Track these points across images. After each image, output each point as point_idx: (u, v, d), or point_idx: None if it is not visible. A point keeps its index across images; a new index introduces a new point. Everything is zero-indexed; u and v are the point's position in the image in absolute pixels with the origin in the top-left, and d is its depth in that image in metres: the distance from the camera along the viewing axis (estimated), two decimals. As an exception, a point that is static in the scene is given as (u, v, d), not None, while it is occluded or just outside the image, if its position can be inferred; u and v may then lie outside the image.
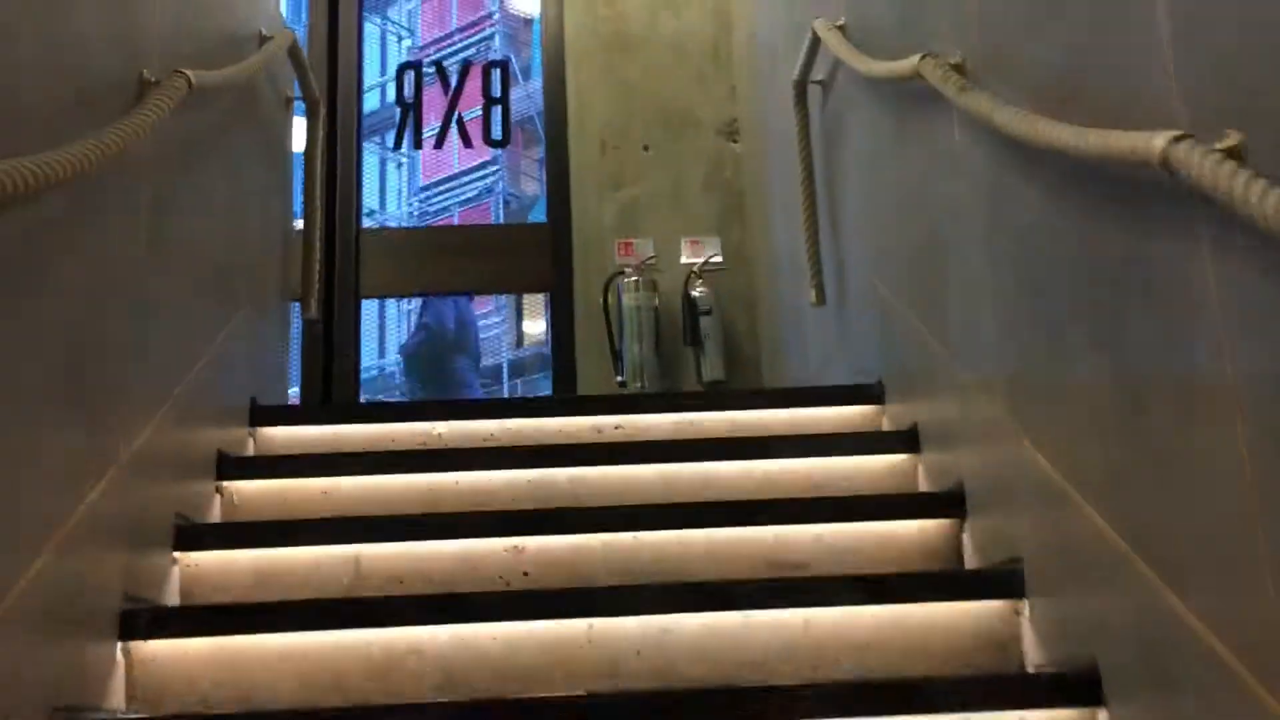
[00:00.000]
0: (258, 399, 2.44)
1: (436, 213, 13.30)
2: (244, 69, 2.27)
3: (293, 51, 2.62)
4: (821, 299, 2.85)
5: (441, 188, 12.86)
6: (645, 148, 4.33)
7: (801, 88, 2.98)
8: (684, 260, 4.17)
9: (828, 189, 2.91)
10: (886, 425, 2.43)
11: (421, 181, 13.17)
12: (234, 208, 2.37)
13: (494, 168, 11.48)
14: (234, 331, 2.30)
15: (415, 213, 12.70)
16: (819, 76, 2.94)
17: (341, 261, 4.43)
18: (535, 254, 4.46)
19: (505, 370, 18.92)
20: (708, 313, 4.01)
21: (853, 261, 2.69)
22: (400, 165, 13.30)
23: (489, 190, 12.69)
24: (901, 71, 2.00)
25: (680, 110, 4.37)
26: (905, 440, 2.23)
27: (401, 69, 4.78)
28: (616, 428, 2.47)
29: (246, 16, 2.53)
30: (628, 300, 4.03)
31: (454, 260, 4.51)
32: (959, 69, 1.87)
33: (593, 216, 4.27)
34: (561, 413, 2.48)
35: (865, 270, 2.56)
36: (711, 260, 4.15)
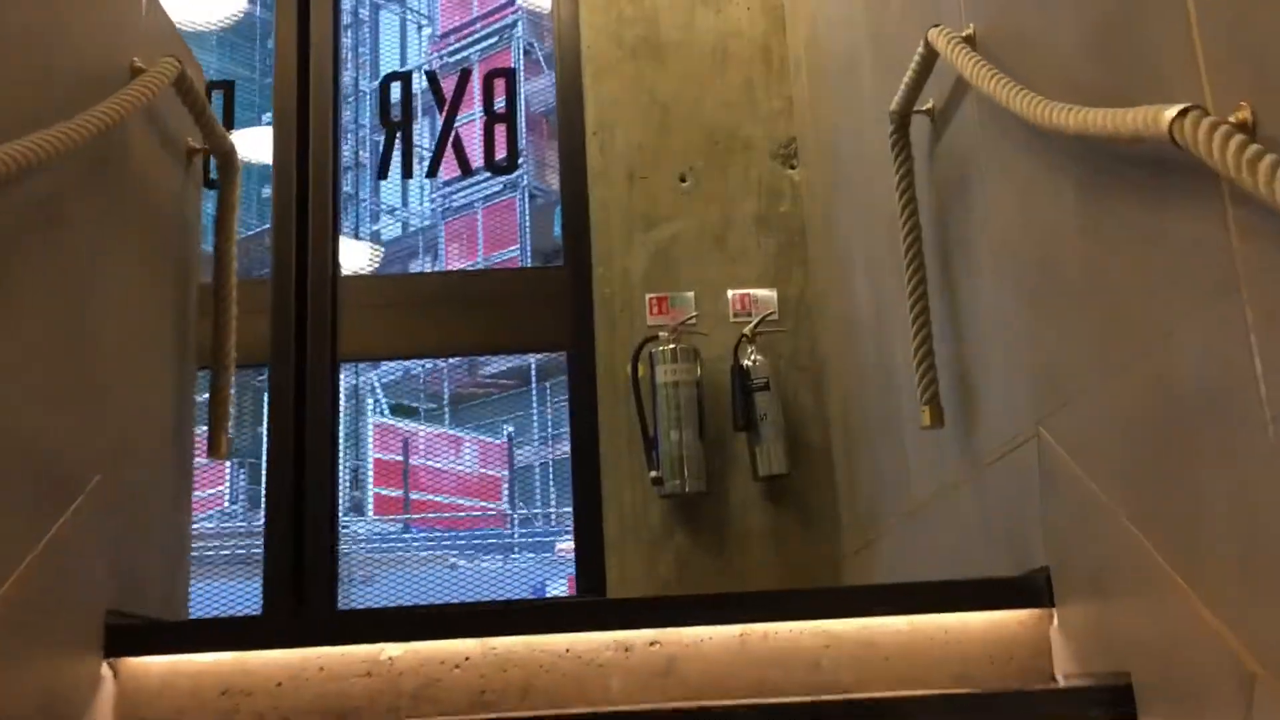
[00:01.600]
0: (124, 610, 1.65)
1: (460, 209, 12.62)
2: (83, 124, 1.47)
3: (181, 85, 1.82)
4: (938, 420, 2.02)
5: (464, 182, 12.14)
6: (682, 178, 3.50)
7: (903, 119, 2.14)
8: (732, 320, 3.35)
9: (943, 264, 2.07)
10: (1063, 648, 1.61)
11: (443, 176, 12.43)
12: (79, 326, 1.58)
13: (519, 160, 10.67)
14: (79, 519, 1.51)
15: (439, 209, 12.03)
16: (925, 105, 2.11)
17: (315, 318, 3.65)
18: (550, 306, 3.65)
19: (533, 371, 18.22)
20: (764, 387, 3.19)
21: (993, 382, 1.86)
22: (422, 161, 12.64)
23: (513, 185, 11.93)
24: (1139, 129, 1.17)
25: (725, 129, 3.54)
26: (1110, 699, 1.41)
27: (386, 81, 3.98)
28: (652, 645, 1.66)
29: (107, 43, 1.73)
30: (663, 374, 3.21)
31: (452, 313, 3.71)
32: (1244, 129, 1.05)
33: (618, 264, 3.44)
34: (572, 624, 1.67)
35: (1019, 404, 1.73)
36: (767, 320, 3.32)
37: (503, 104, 3.90)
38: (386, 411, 16.37)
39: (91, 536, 1.57)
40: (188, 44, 2.09)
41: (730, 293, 3.38)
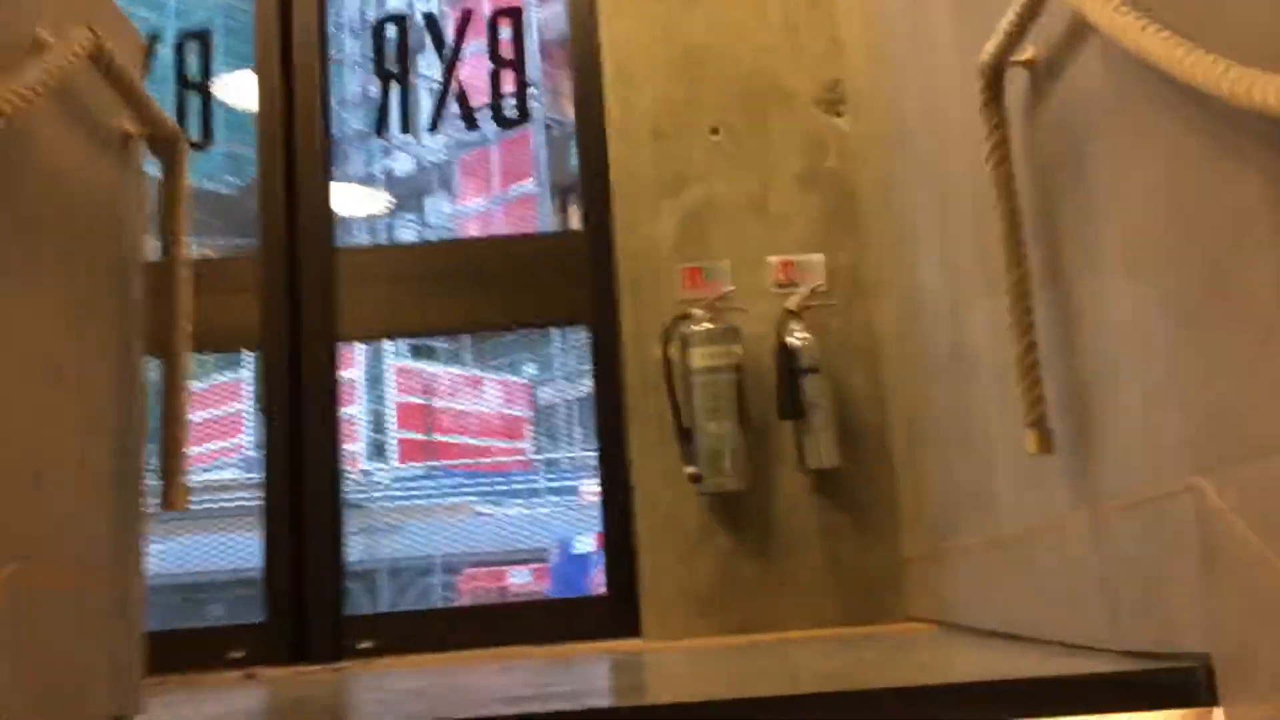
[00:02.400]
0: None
1: (475, 143, 12.25)
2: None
3: (101, 61, 1.45)
4: (1046, 447, 1.66)
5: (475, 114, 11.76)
6: (714, 130, 3.10)
7: (997, 73, 1.74)
8: (774, 291, 2.97)
9: (1049, 255, 1.69)
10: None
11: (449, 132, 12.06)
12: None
13: (531, 89, 10.24)
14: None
15: (453, 143, 11.71)
16: (1024, 54, 1.71)
17: (308, 297, 3.30)
18: (567, 275, 3.28)
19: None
20: (813, 370, 2.82)
21: (1123, 409, 1.49)
22: (432, 90, 12.21)
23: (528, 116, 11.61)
24: None
25: (763, 75, 3.12)
26: None
27: (379, 25, 3.57)
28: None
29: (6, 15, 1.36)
30: (698, 357, 2.84)
31: (461, 285, 3.35)
32: None
33: (644, 231, 3.06)
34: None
35: (1166, 444, 1.36)
36: (815, 292, 2.94)
37: (511, 48, 3.50)
38: (407, 354, 16.09)
39: (-1, 644, 1.24)
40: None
41: (772, 259, 3.00)
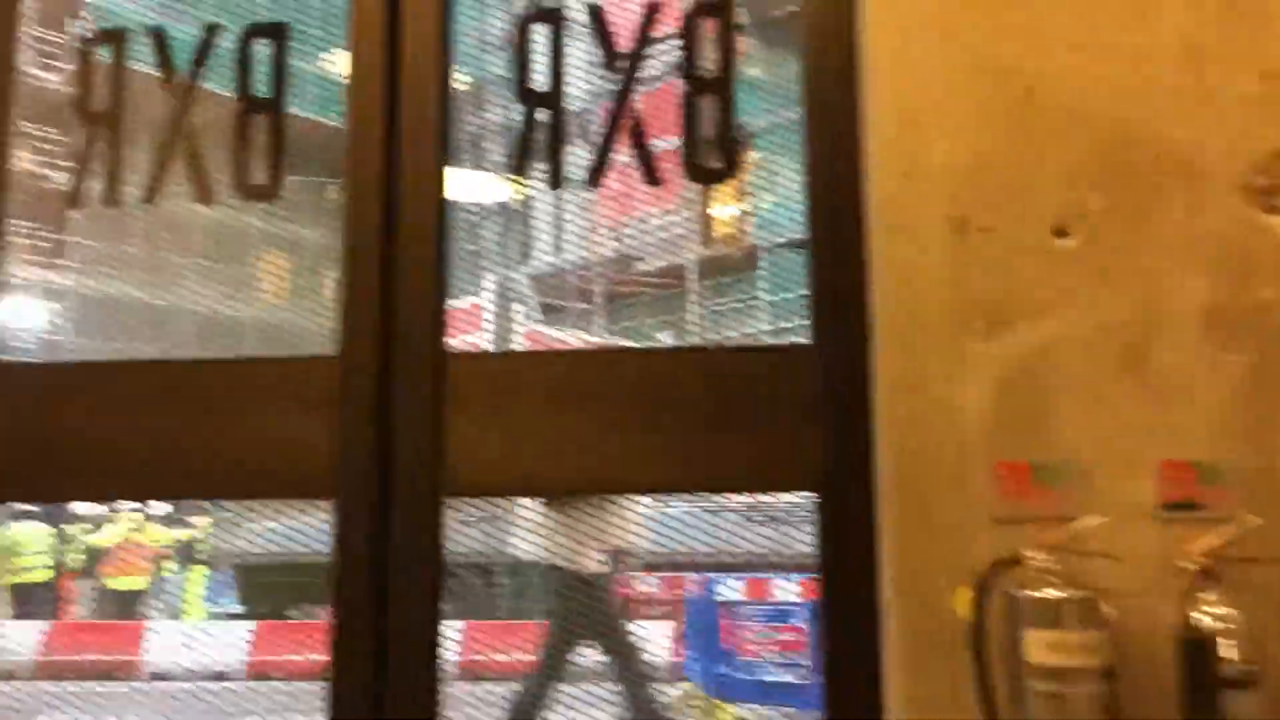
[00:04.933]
0: None
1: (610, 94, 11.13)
2: None
3: None
4: None
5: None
6: (1060, 232, 1.86)
7: None
8: (1162, 516, 1.75)
9: None
10: None
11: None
12: None
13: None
14: None
15: (597, 91, 10.65)
16: None
17: (405, 429, 2.22)
18: (787, 414, 2.13)
19: (695, 268, 16.75)
20: (1246, 680, 1.61)
21: None
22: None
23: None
24: None
25: (1145, 134, 1.86)
26: None
27: (523, 23, 2.41)
28: None
29: None
30: (1038, 646, 1.65)
31: (629, 416, 2.21)
32: None
33: (933, 391, 1.86)
34: None
35: None
36: (1243, 527, 1.71)
37: (719, 62, 2.31)
38: (537, 315, 15.08)
39: None
40: None
41: (1157, 460, 1.78)
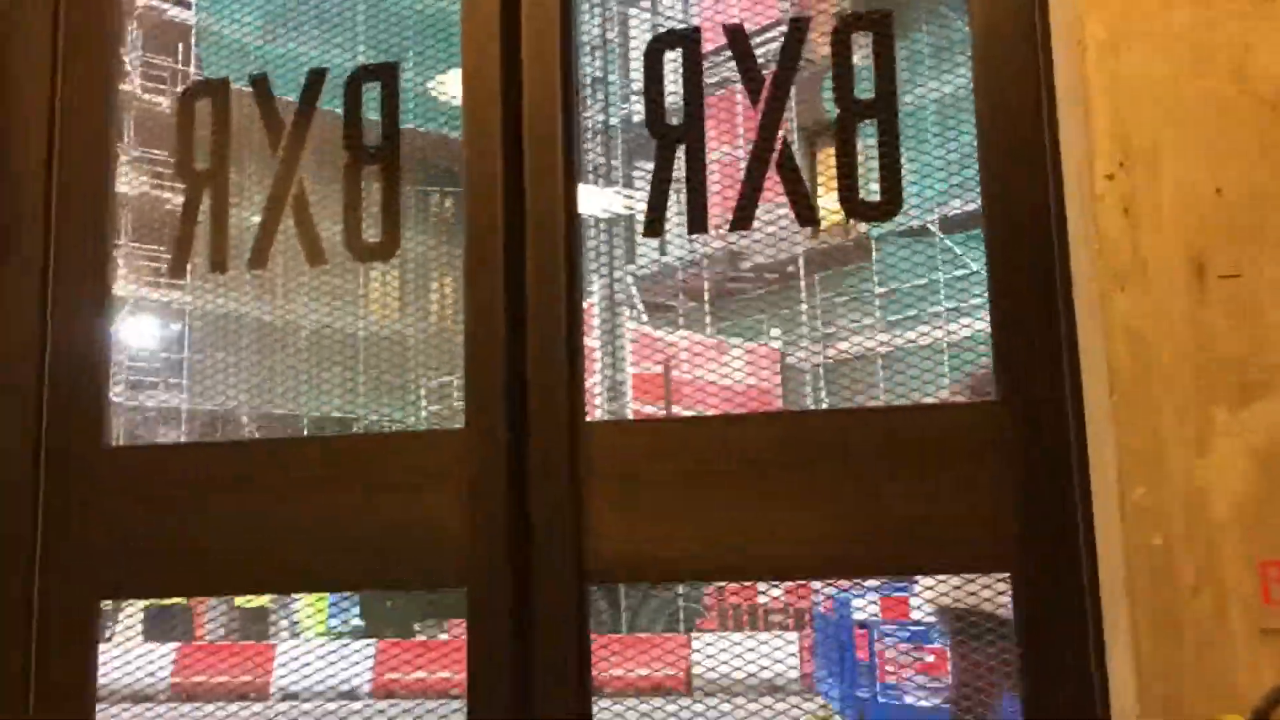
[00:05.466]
0: None
1: (719, 84, 10.85)
2: None
3: None
4: None
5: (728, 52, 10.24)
6: (1331, 275, 1.55)
7: None
8: None
9: None
10: None
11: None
12: None
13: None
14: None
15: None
16: None
17: (541, 509, 2.00)
18: (969, 482, 1.86)
19: (800, 264, 16.39)
20: None
21: None
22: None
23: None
24: None
25: None
26: None
27: (654, 49, 2.16)
28: None
29: None
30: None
31: (786, 489, 1.95)
32: None
33: (1176, 479, 1.55)
34: None
35: None
36: None
37: (873, 87, 2.02)
38: (643, 317, 14.85)
39: None
40: None
41: None
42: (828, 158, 2.10)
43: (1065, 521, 1.81)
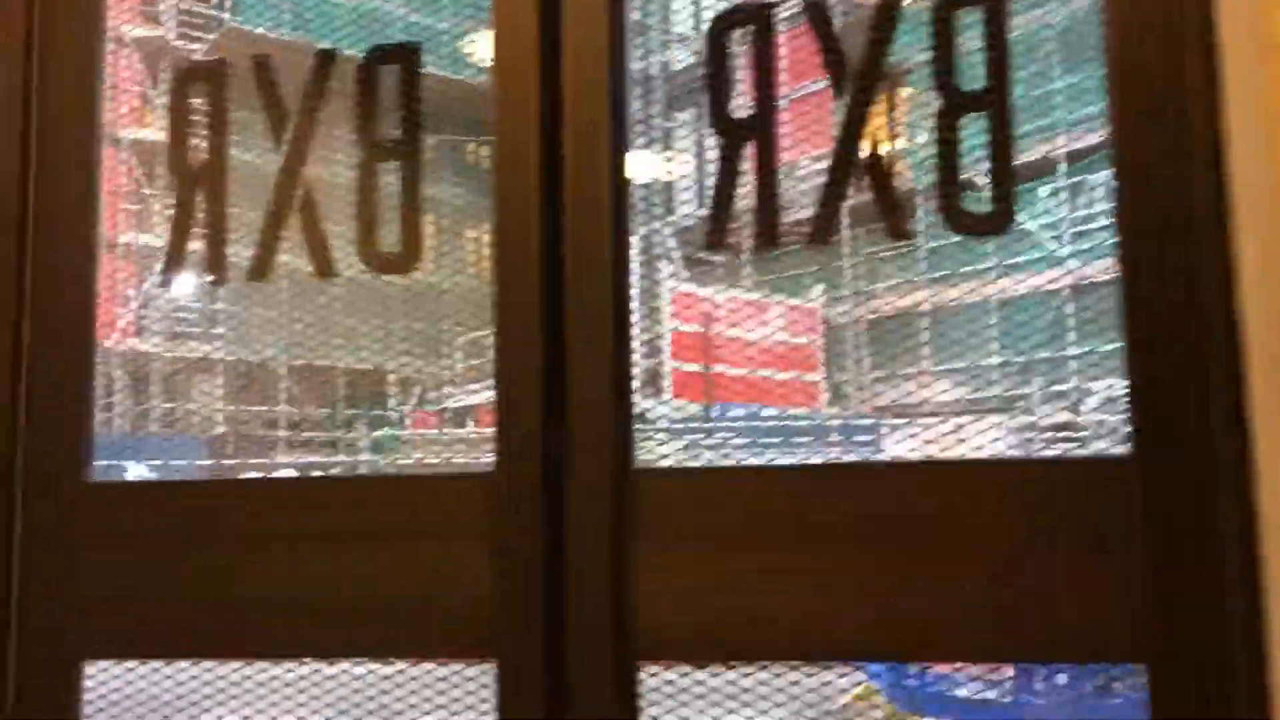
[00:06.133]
0: None
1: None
2: None
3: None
4: None
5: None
6: None
7: None
8: None
9: None
10: None
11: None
12: None
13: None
14: None
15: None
16: None
17: (579, 574, 1.71)
18: (1096, 552, 1.55)
19: (844, 217, 16.03)
20: None
21: None
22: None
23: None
24: None
25: None
26: None
27: (719, 30, 1.82)
28: None
29: None
30: None
31: (870, 558, 1.65)
32: None
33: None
34: None
35: None
36: None
37: (993, 67, 1.68)
38: (684, 275, 14.55)
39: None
40: None
41: None
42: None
43: (1211, 602, 1.51)
